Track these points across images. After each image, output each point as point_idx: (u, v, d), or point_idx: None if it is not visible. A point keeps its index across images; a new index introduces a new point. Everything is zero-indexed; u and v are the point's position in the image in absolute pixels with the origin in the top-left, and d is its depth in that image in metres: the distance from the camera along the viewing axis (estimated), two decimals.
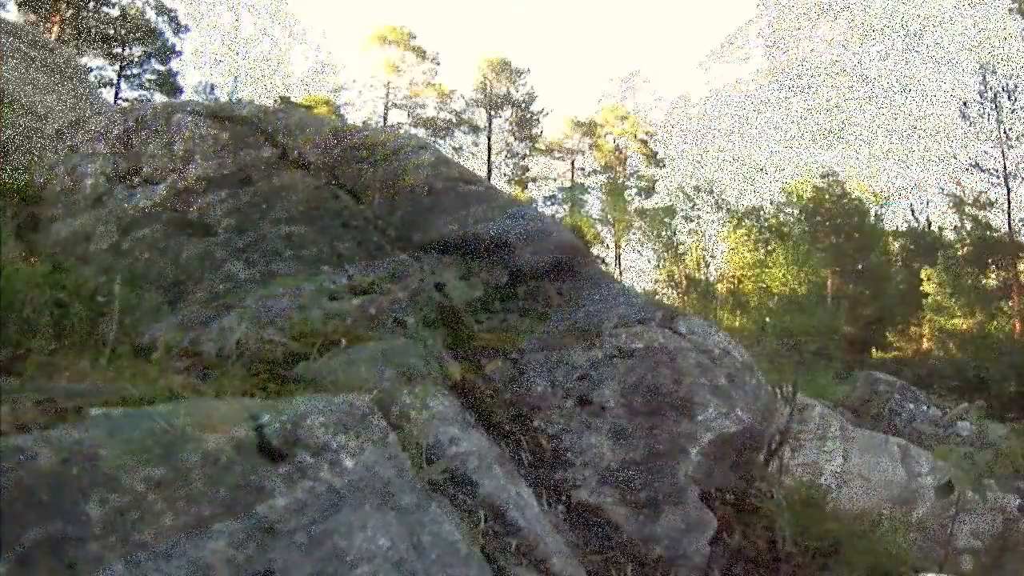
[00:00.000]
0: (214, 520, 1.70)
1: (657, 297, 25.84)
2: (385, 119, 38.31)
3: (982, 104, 27.69)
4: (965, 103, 28.03)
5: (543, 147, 41.32)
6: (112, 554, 1.51)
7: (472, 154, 39.64)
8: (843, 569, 3.32)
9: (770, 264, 27.65)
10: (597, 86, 78.75)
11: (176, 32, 30.50)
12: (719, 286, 30.79)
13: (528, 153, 41.30)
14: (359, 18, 71.48)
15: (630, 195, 37.53)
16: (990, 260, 27.70)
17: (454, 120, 40.14)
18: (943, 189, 29.43)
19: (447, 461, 2.82)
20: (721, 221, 32.95)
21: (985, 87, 27.56)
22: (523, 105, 40.48)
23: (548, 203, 39.69)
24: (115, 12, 28.33)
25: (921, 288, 26.99)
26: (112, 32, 27.73)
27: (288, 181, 4.71)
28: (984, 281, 27.11)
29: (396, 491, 2.16)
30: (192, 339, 3.47)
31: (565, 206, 38.34)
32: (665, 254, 33.71)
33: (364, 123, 31.08)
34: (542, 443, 3.43)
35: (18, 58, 10.25)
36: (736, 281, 30.13)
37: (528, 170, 41.57)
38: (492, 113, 40.11)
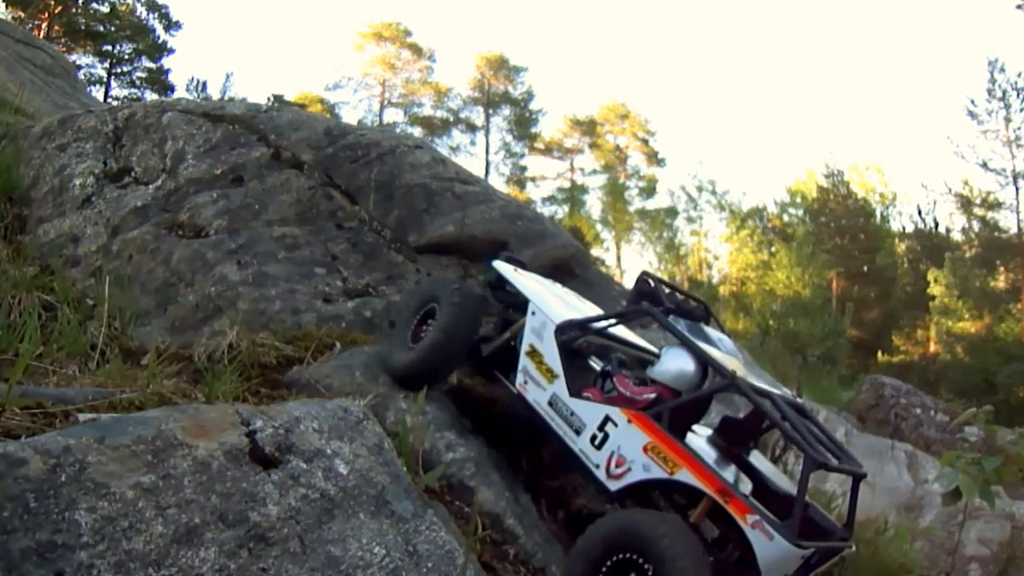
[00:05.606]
0: (205, 528, 1.70)
1: None
2: (380, 118, 38.23)
3: (990, 103, 27.48)
4: (973, 101, 27.78)
5: (542, 146, 41.24)
6: (102, 562, 1.51)
7: (469, 153, 39.56)
8: None
9: (774, 266, 27.59)
10: (597, 84, 78.93)
11: (167, 29, 30.22)
12: (721, 288, 30.79)
13: (526, 152, 41.22)
14: (354, 14, 71.69)
15: (630, 195, 37.53)
16: (998, 262, 27.48)
17: (451, 119, 40.10)
18: (950, 189, 29.19)
19: (443, 468, 2.80)
20: (724, 222, 32.98)
21: (993, 85, 27.35)
22: (521, 103, 40.36)
23: (547, 203, 39.63)
24: (105, 8, 28.12)
25: (928, 290, 26.81)
26: (102, 29, 27.58)
27: (281, 181, 4.70)
28: (992, 283, 26.86)
29: (391, 498, 2.15)
30: (183, 343, 3.45)
31: (564, 206, 38.35)
32: (666, 255, 33.77)
33: (359, 122, 30.99)
34: (540, 449, 3.40)
35: (5, 55, 10.26)
36: (739, 283, 30.14)
37: (526, 170, 41.44)
38: (490, 111, 40.04)
